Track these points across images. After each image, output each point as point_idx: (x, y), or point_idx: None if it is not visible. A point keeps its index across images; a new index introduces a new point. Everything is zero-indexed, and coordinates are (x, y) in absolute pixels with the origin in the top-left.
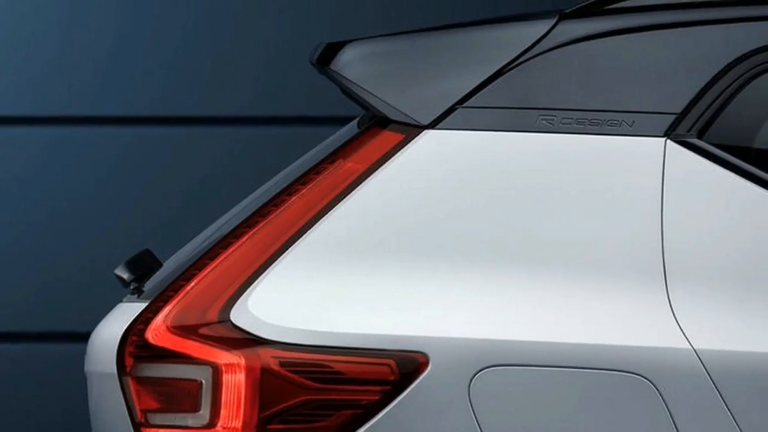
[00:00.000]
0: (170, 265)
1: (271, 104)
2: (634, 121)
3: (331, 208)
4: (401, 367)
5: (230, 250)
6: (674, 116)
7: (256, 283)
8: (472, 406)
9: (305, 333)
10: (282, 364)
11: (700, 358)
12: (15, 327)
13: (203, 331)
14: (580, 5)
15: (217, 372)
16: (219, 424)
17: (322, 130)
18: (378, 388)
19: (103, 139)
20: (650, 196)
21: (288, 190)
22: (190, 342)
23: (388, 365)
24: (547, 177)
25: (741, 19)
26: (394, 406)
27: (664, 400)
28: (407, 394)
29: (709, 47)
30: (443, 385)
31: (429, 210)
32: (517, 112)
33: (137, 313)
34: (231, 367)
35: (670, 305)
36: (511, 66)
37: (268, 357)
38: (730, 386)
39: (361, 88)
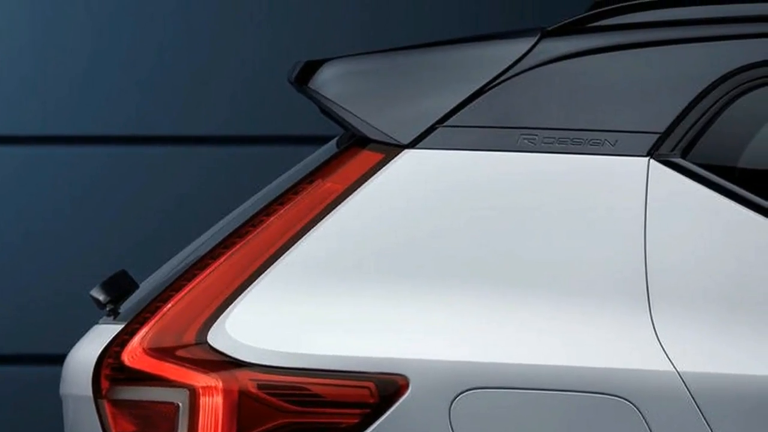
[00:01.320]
0: (147, 286)
1: (249, 123)
2: (616, 141)
3: (310, 229)
4: (381, 390)
5: (208, 271)
6: (657, 135)
7: (234, 304)
8: (452, 429)
9: (284, 355)
10: (260, 387)
11: (683, 381)
12: None
13: (180, 353)
14: (562, 23)
15: (194, 395)
16: None
17: (300, 149)
18: (357, 411)
19: (78, 159)
20: (633, 217)
21: (266, 211)
22: (167, 364)
23: (368, 388)
24: (528, 197)
25: (725, 37)
26: (373, 430)
27: (647, 424)
28: (387, 417)
29: (692, 65)
30: (423, 408)
31: (409, 230)
32: (499, 131)
33: (113, 335)
34: (208, 389)
35: (654, 327)
36: (492, 85)
37: (246, 379)
38: (714, 409)
39: (340, 107)
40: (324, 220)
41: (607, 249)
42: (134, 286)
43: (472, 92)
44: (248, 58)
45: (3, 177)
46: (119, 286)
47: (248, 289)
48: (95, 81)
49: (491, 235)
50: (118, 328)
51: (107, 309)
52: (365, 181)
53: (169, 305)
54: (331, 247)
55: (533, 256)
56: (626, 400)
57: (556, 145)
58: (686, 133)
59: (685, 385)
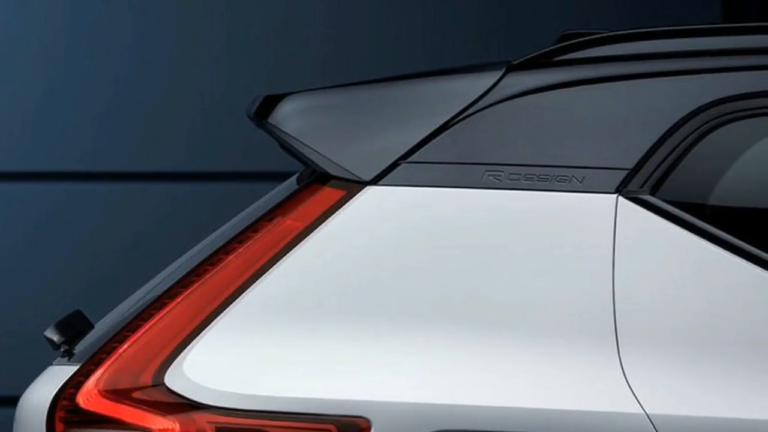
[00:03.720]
0: (102, 326)
1: (206, 159)
2: (584, 177)
3: (270, 268)
4: None
5: (164, 311)
6: (626, 172)
7: (191, 345)
8: None
9: (243, 397)
10: (219, 430)
11: (653, 423)
12: None
13: (137, 395)
14: (528, 56)
15: None
16: None
17: (259, 186)
18: None
19: (31, 196)
20: (601, 255)
21: (225, 249)
22: (123, 407)
23: (329, 431)
24: (494, 235)
25: (695, 71)
26: None
27: None
28: None
29: (662, 100)
30: None
31: (371, 269)
32: (463, 167)
33: (68, 377)
34: None
35: (622, 368)
36: (457, 119)
37: (204, 422)
38: None
39: (301, 142)
40: (284, 258)
41: (575, 288)
42: (89, 327)
43: (436, 127)
44: (206, 92)
45: None
46: (74, 327)
47: (206, 329)
48: (49, 115)
49: (456, 274)
50: (73, 369)
51: (62, 350)
52: (326, 218)
53: (126, 346)
54: (291, 287)
55: (499, 296)
56: None
57: (522, 181)
58: (655, 169)
59: (655, 428)
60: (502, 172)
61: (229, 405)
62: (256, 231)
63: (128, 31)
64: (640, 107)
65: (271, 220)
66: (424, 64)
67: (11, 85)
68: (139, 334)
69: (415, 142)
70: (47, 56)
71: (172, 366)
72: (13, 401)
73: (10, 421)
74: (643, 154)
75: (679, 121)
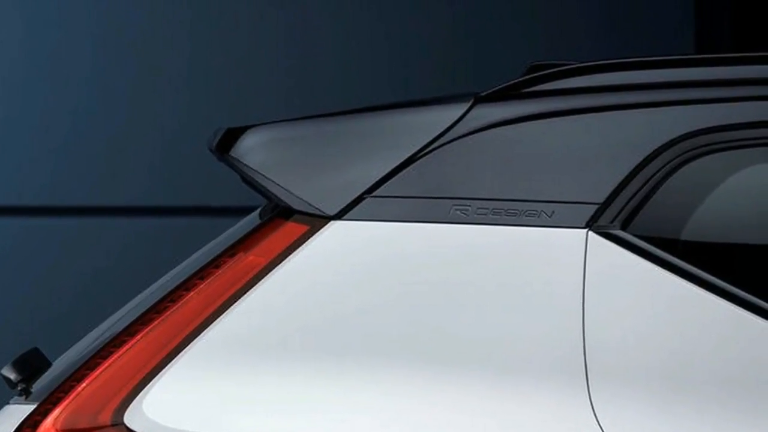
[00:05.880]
0: (60, 364)
1: (167, 193)
2: (553, 212)
3: (232, 304)
4: None
5: (124, 348)
6: (596, 206)
7: (151, 384)
8: None
9: None
10: None
11: None
12: None
13: None
14: (496, 87)
15: None
16: None
17: (221, 221)
18: None
19: None
20: (571, 292)
21: (185, 285)
22: None
23: None
24: (461, 271)
25: (667, 102)
26: None
27: None
28: None
29: (633, 133)
30: None
31: (336, 306)
32: (430, 201)
33: (25, 416)
34: None
35: (592, 407)
36: (423, 153)
37: None
38: None
39: (263, 176)
40: (246, 295)
41: (544, 325)
42: (47, 365)
43: (401, 161)
44: (166, 124)
45: None
46: (31, 365)
47: (167, 367)
48: (5, 148)
49: (422, 311)
50: (30, 408)
51: (19, 388)
52: (290, 254)
53: (84, 384)
54: (253, 324)
55: (466, 333)
56: None
57: (490, 216)
58: (626, 203)
59: None
60: (469, 206)
61: None
62: (217, 267)
63: (87, 62)
64: (611, 140)
65: (233, 255)
66: (389, 96)
67: None
68: (98, 372)
69: (381, 176)
70: (3, 87)
71: (132, 405)
72: None
73: None
74: (613, 188)
75: (650, 155)
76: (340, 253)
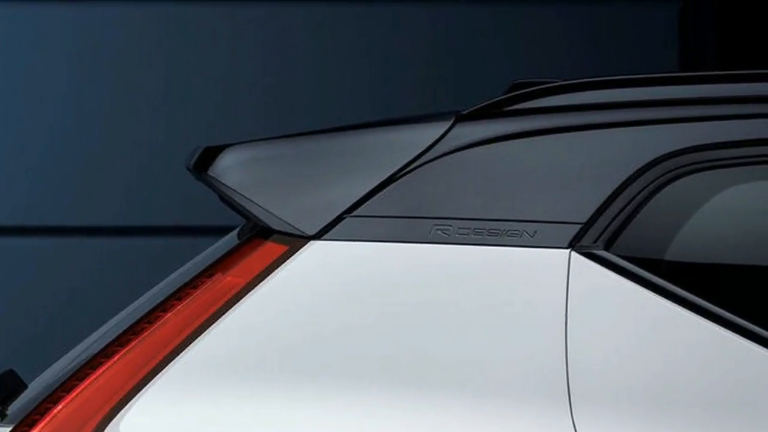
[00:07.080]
0: (36, 386)
1: (144, 213)
2: (536, 232)
3: (210, 326)
4: None
5: (101, 370)
6: (579, 226)
7: (128, 406)
8: None
9: None
10: None
11: None
12: None
13: None
14: (478, 106)
15: None
16: None
17: (199, 241)
18: None
19: None
20: (553, 312)
21: (163, 306)
22: None
23: None
24: (442, 291)
25: (651, 121)
26: None
27: None
28: None
29: (616, 152)
30: None
31: (315, 327)
32: (410, 221)
33: None
34: None
35: (575, 430)
36: (404, 172)
37: None
38: None
39: (242, 195)
40: (225, 316)
41: (526, 346)
42: (23, 386)
43: (382, 180)
44: (143, 143)
45: None
46: (7, 387)
47: (144, 389)
48: None
49: (402, 332)
50: (5, 431)
51: None
52: (268, 274)
53: (60, 407)
54: (232, 345)
55: (447, 354)
56: None
57: (472, 236)
58: (609, 223)
59: None
60: (450, 226)
61: None
62: (195, 287)
63: (63, 80)
64: (594, 159)
65: (211, 276)
66: (370, 114)
67: None
68: (74, 394)
69: (361, 195)
70: None
71: (108, 427)
72: None
73: None
74: (596, 207)
75: (633, 174)
76: (320, 274)
